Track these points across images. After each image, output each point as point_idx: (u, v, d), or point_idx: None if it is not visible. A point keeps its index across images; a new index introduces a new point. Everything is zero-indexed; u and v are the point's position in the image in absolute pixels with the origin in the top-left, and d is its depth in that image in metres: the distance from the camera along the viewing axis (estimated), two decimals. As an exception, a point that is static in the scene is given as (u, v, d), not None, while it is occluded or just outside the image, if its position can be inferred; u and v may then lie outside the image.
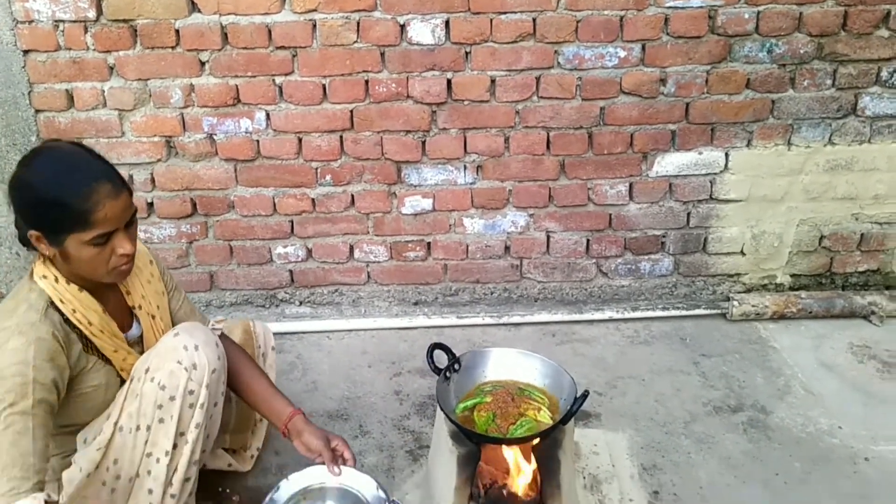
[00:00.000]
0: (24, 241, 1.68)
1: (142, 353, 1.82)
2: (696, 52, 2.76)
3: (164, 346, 1.73)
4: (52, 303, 1.64)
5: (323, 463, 1.86)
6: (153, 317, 1.88)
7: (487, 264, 3.11)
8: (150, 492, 1.74)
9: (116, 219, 1.60)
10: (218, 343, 1.80)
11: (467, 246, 3.07)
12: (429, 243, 3.06)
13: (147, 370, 1.71)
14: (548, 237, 3.07)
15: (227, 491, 2.19)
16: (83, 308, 1.67)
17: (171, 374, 1.69)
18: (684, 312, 3.10)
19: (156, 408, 1.69)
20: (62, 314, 1.65)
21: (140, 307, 1.85)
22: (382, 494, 1.81)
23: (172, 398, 1.69)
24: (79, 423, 1.78)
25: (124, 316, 1.82)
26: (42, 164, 1.61)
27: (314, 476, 1.85)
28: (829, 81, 2.83)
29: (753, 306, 3.01)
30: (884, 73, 2.83)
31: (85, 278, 1.68)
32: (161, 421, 1.70)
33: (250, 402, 2.02)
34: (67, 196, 1.55)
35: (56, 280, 1.65)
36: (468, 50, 2.73)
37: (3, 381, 1.50)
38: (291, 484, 1.84)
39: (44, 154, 1.65)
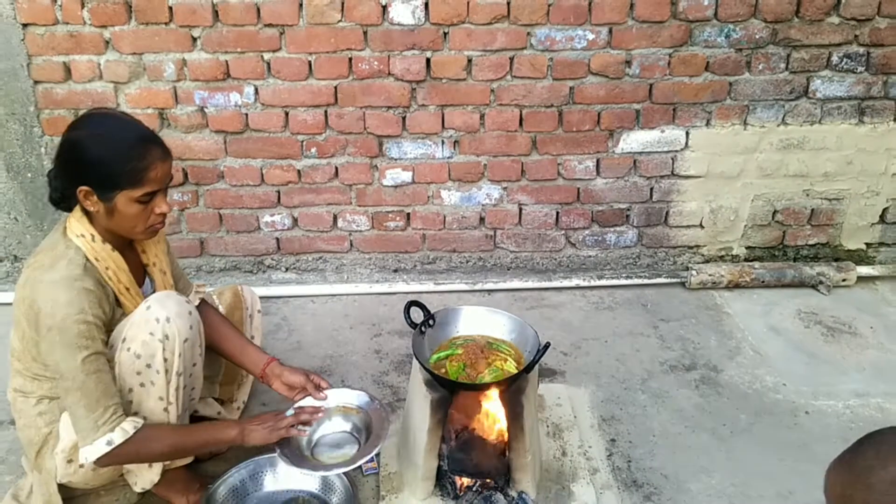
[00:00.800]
0: (57, 200, 1.83)
1: None
2: (659, 36, 2.92)
3: (138, 318, 1.80)
4: (88, 259, 1.78)
5: (303, 396, 2.10)
6: (164, 273, 2.03)
7: (463, 234, 3.28)
8: None
9: (162, 179, 1.77)
10: (191, 312, 1.88)
11: (444, 217, 3.23)
12: (408, 214, 3.22)
13: (124, 340, 1.79)
14: (520, 209, 3.24)
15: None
16: (115, 266, 1.82)
17: (145, 345, 1.79)
18: (646, 281, 3.30)
19: (135, 374, 1.80)
20: (96, 270, 1.79)
21: (154, 265, 2.00)
22: (367, 398, 2.14)
23: (149, 366, 1.81)
24: None
25: (139, 273, 1.95)
26: (100, 124, 1.76)
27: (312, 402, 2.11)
28: (782, 65, 3.02)
29: (710, 275, 3.22)
30: (834, 58, 3.02)
31: (117, 236, 1.83)
32: (142, 385, 1.82)
33: (228, 356, 2.19)
34: (127, 154, 1.70)
35: (93, 238, 1.79)
36: (446, 30, 2.88)
37: (69, 331, 1.67)
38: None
39: (100, 116, 1.80)
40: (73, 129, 1.76)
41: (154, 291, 1.99)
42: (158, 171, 1.75)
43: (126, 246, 1.90)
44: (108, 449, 1.69)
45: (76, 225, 1.80)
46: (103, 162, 1.70)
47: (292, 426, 1.98)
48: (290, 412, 2.03)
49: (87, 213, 1.80)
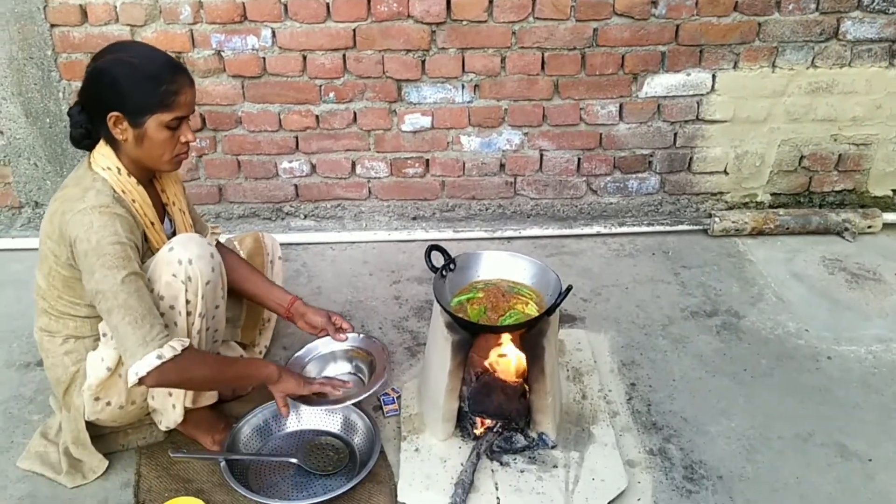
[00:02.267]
0: (79, 138, 1.82)
1: None
2: (686, -25, 2.84)
3: (161, 259, 1.81)
4: (115, 191, 1.79)
5: (325, 335, 2.19)
6: (183, 213, 2.04)
7: (483, 181, 3.25)
8: None
9: (190, 105, 1.79)
10: (213, 254, 1.87)
11: (464, 163, 3.20)
12: (427, 160, 3.19)
13: (148, 280, 1.80)
14: (541, 155, 3.20)
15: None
16: (140, 200, 1.84)
17: (168, 286, 1.81)
18: (668, 228, 3.26)
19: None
20: (124, 201, 1.80)
21: (174, 203, 2.01)
22: (365, 338, 2.28)
23: (172, 307, 1.82)
24: None
25: (159, 212, 1.95)
26: (128, 51, 1.77)
27: (320, 344, 2.29)
28: (812, 5, 2.92)
29: (734, 222, 3.18)
30: (865, -2, 2.93)
31: (142, 170, 1.84)
32: (165, 326, 1.81)
33: (252, 297, 2.23)
34: (159, 77, 1.72)
35: (119, 171, 1.80)
36: (467, -30, 2.81)
37: (107, 254, 1.68)
38: (303, 352, 2.28)
39: (126, 44, 1.84)
40: (100, 57, 1.76)
41: (174, 231, 2.00)
42: (188, 95, 1.77)
43: (147, 183, 1.90)
44: (158, 363, 1.67)
45: (102, 158, 1.80)
46: (135, 85, 1.71)
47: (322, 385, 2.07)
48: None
49: (112, 146, 1.80)
